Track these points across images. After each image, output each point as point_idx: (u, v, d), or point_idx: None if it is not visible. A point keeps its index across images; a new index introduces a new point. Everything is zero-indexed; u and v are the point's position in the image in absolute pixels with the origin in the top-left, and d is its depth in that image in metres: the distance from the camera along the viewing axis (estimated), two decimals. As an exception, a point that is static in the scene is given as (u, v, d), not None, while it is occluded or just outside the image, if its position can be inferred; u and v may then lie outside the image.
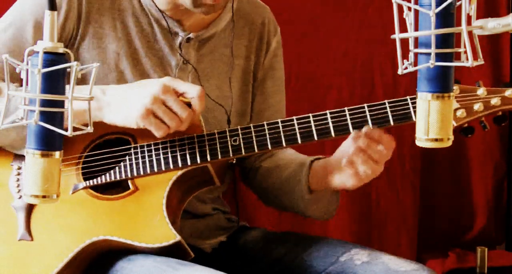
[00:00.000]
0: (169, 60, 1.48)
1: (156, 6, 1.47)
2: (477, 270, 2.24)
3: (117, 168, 1.39)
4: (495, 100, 1.32)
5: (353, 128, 1.33)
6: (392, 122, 1.34)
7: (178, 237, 1.33)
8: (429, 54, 0.87)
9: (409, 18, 0.88)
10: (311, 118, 1.35)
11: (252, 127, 1.36)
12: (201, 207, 1.57)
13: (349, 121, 1.33)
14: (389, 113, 1.33)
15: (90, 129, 0.97)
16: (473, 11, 0.87)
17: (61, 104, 0.92)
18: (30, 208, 1.40)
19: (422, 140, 0.89)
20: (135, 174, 1.38)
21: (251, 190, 1.65)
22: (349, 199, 2.38)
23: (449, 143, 0.89)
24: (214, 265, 1.34)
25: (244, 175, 1.65)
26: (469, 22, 0.87)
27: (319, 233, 2.09)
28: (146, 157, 1.37)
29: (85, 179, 1.40)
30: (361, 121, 1.33)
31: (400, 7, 0.87)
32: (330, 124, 1.33)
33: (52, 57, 0.92)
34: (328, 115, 1.34)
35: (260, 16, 1.61)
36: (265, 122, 1.36)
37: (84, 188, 1.39)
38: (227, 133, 1.37)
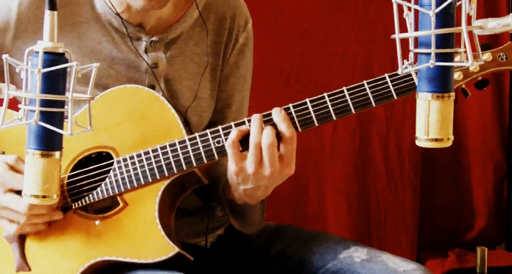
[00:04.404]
0: (137, 66, 1.43)
1: (113, 11, 1.41)
2: (477, 270, 2.24)
3: (103, 185, 1.35)
4: (473, 67, 1.29)
5: (335, 114, 1.29)
6: (374, 104, 1.28)
7: (176, 249, 1.31)
8: (429, 54, 0.87)
9: (409, 18, 0.88)
10: (292, 110, 1.30)
11: (233, 126, 1.31)
12: (194, 202, 1.54)
13: (331, 109, 1.29)
14: (370, 94, 1.28)
15: (90, 129, 0.97)
16: (473, 11, 0.87)
17: (61, 104, 0.92)
18: (22, 237, 1.38)
19: (422, 140, 0.89)
20: (122, 189, 1.34)
21: None
22: (349, 199, 2.39)
23: (449, 143, 0.89)
24: (214, 260, 1.33)
25: None
26: (469, 22, 0.87)
27: (319, 233, 2.09)
28: (131, 170, 1.34)
29: (72, 200, 1.37)
30: (343, 107, 1.29)
31: (400, 7, 0.87)
32: (312, 114, 1.29)
33: (52, 57, 0.92)
34: (309, 104, 1.30)
35: (231, 9, 1.52)
36: (245, 119, 1.30)
37: (74, 209, 1.37)
38: (209, 136, 1.32)
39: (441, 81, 0.88)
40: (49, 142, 0.92)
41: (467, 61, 0.86)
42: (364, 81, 1.29)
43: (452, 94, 0.89)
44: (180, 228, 1.45)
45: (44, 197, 0.93)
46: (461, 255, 2.41)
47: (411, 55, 0.89)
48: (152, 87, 1.43)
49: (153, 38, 1.43)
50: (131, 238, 1.33)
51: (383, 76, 1.28)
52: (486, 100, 2.45)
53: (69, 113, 0.91)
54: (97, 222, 1.35)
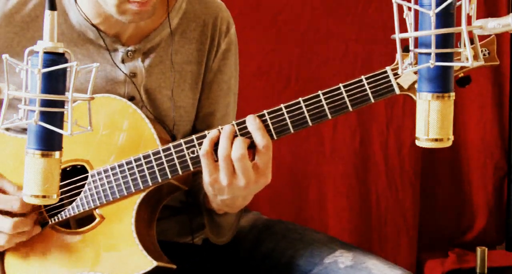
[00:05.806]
0: (114, 78, 1.39)
1: (89, 22, 1.38)
2: (477, 270, 2.24)
3: (78, 199, 1.33)
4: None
5: (311, 120, 1.25)
6: (350, 108, 1.25)
7: (154, 263, 1.29)
8: (429, 54, 0.87)
9: (409, 18, 0.88)
10: (267, 116, 1.26)
11: (207, 135, 1.27)
12: (179, 198, 1.53)
13: (306, 114, 1.25)
14: (346, 98, 1.25)
15: (90, 129, 0.97)
16: (473, 11, 0.87)
17: (61, 104, 0.93)
18: (1, 256, 1.36)
19: (422, 139, 0.89)
20: (98, 203, 1.32)
21: None
22: (349, 199, 2.39)
23: (449, 143, 0.89)
24: (206, 257, 1.32)
25: None
26: (469, 22, 0.87)
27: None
28: (106, 183, 1.32)
29: (49, 216, 1.36)
30: (319, 112, 1.25)
31: (400, 7, 0.87)
32: (288, 120, 1.26)
33: (52, 57, 0.92)
34: (284, 110, 1.26)
35: (212, 16, 1.49)
36: (219, 127, 1.27)
37: (51, 224, 1.35)
38: (184, 146, 1.28)
39: (441, 81, 0.88)
40: (49, 142, 0.93)
41: (467, 61, 0.87)
42: (340, 84, 1.25)
43: (452, 94, 0.89)
44: (169, 228, 1.44)
45: (44, 197, 0.93)
46: (461, 255, 2.41)
47: (411, 55, 0.89)
48: (133, 97, 1.41)
49: (129, 48, 1.40)
50: (110, 253, 1.32)
51: (359, 78, 1.24)
52: (486, 101, 2.45)
53: (69, 113, 0.91)
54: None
